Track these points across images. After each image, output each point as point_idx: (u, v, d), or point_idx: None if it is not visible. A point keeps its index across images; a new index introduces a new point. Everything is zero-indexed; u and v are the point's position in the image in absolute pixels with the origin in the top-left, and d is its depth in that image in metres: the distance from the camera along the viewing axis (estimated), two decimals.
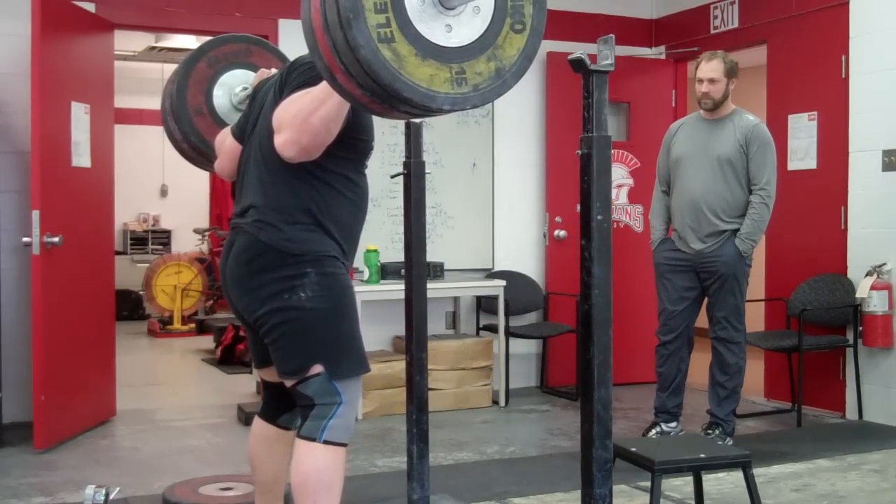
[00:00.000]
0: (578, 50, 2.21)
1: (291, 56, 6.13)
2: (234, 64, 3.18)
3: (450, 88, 1.95)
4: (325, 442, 2.54)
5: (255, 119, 2.73)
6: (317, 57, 2.02)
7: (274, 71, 2.96)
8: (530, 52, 2.05)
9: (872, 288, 5.24)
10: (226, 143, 2.86)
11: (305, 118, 2.41)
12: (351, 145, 2.57)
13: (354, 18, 1.84)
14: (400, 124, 4.84)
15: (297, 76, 2.53)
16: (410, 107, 1.97)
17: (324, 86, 2.33)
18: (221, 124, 3.09)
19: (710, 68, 4.70)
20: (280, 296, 2.54)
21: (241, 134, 2.80)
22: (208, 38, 3.35)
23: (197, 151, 3.17)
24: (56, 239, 4.62)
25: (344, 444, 2.59)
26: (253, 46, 3.24)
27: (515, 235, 6.51)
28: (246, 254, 2.61)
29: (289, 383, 2.63)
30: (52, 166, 4.71)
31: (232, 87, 3.17)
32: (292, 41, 5.94)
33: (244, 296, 2.63)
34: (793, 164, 5.82)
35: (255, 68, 3.17)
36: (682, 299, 4.78)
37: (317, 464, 2.53)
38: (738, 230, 4.66)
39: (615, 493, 2.30)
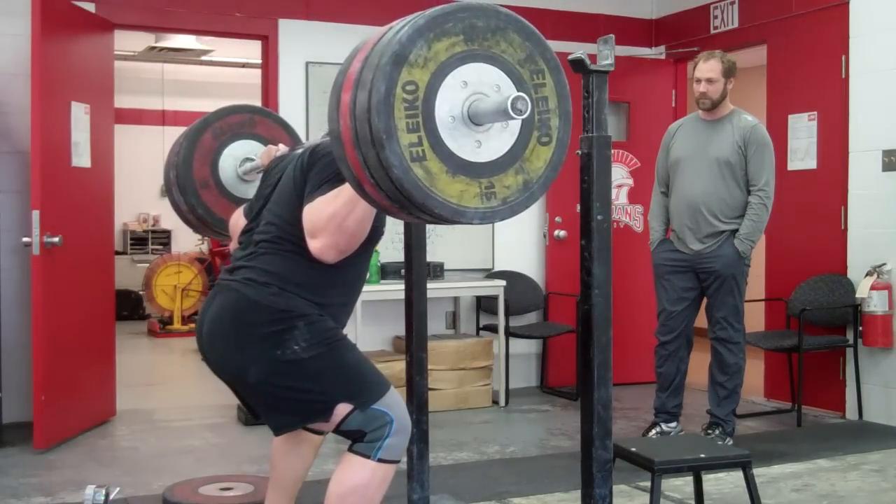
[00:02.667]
0: (578, 50, 2.21)
1: (292, 59, 6.17)
2: (239, 135, 3.18)
3: (479, 203, 1.96)
4: (380, 460, 2.49)
5: (266, 196, 2.70)
6: (345, 167, 2.01)
7: (282, 148, 2.95)
8: (556, 164, 2.05)
9: (872, 288, 5.24)
10: (239, 225, 2.83)
11: (341, 223, 2.37)
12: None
13: (388, 139, 1.83)
14: None
15: (322, 169, 2.45)
16: (439, 220, 1.99)
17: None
18: (228, 196, 3.10)
19: (707, 68, 4.70)
20: (272, 353, 2.46)
21: (251, 214, 2.78)
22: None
23: (203, 223, 3.17)
24: (56, 239, 4.62)
25: (396, 462, 2.55)
26: (257, 116, 3.25)
27: (515, 235, 6.51)
28: (230, 312, 2.54)
29: (327, 429, 2.58)
30: (52, 166, 4.71)
31: (237, 158, 3.17)
32: (292, 41, 5.96)
33: (231, 356, 2.54)
34: (793, 164, 5.82)
35: (260, 139, 3.17)
36: (682, 300, 4.78)
37: (364, 480, 2.49)
38: (736, 231, 4.66)
39: (615, 493, 2.30)
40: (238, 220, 2.85)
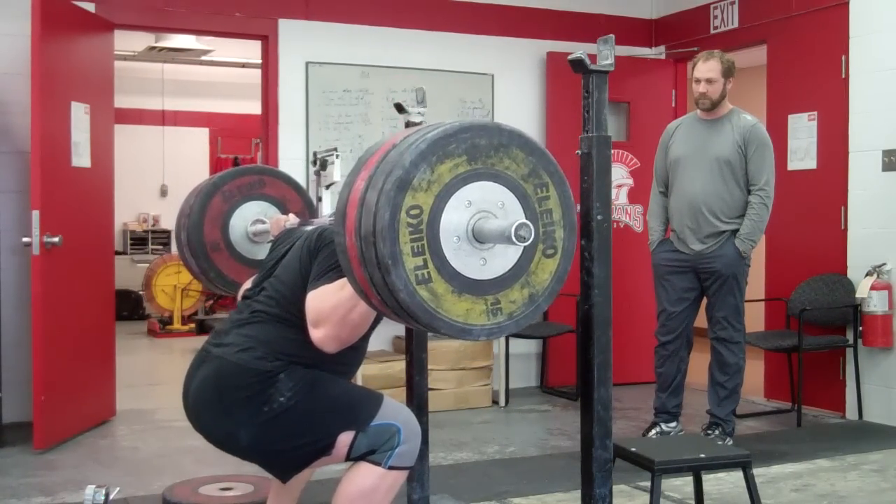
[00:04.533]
0: (578, 50, 2.21)
1: (292, 59, 6.17)
2: (249, 197, 3.21)
3: (486, 320, 1.96)
4: (391, 467, 2.49)
5: (270, 267, 2.69)
6: (352, 281, 2.02)
7: (292, 218, 2.96)
8: (562, 275, 2.06)
9: (872, 288, 5.24)
10: None
11: (344, 315, 2.35)
12: None
13: (393, 265, 1.84)
14: (401, 124, 4.83)
15: (329, 256, 2.43)
16: (446, 336, 1.99)
17: None
18: (238, 257, 3.14)
19: (707, 68, 4.70)
20: (258, 410, 2.44)
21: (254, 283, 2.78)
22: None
23: (214, 284, 3.21)
24: (56, 239, 4.62)
25: (409, 468, 2.55)
26: (266, 177, 3.29)
27: None
28: (214, 379, 2.53)
29: (337, 462, 2.56)
30: (52, 166, 4.71)
31: (247, 219, 3.20)
32: (292, 41, 5.96)
33: (220, 423, 2.54)
34: (793, 164, 5.82)
35: (269, 199, 3.21)
36: (682, 300, 4.78)
37: (374, 484, 2.48)
38: (737, 230, 4.66)
39: (615, 493, 2.30)
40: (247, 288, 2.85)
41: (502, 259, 1.98)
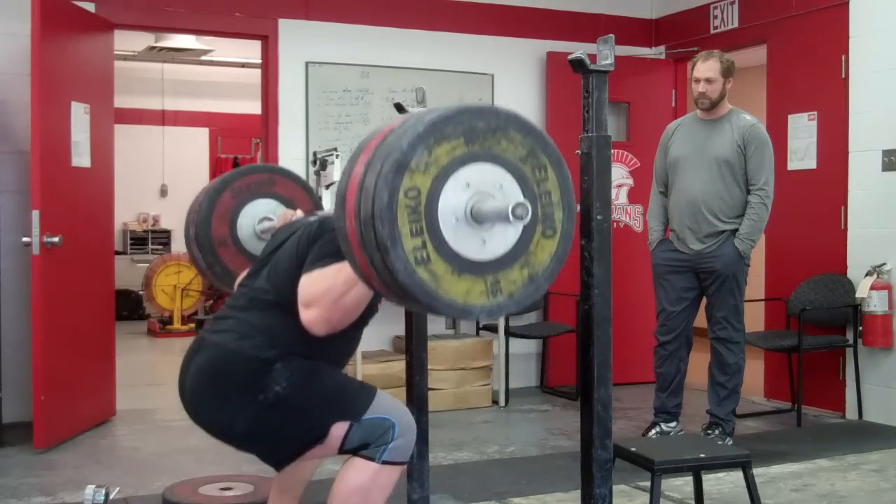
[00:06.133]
0: (578, 50, 2.21)
1: (292, 59, 6.17)
2: (258, 194, 3.20)
3: (485, 300, 1.96)
4: (384, 462, 2.50)
5: (268, 255, 2.71)
6: (354, 265, 2.02)
7: (299, 213, 2.96)
8: (562, 256, 2.06)
9: (872, 288, 5.25)
10: None
11: (336, 299, 2.37)
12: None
13: (392, 246, 1.84)
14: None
15: (327, 242, 2.45)
16: (447, 316, 2.01)
17: None
18: (245, 254, 3.13)
19: (706, 68, 4.70)
20: (254, 399, 2.45)
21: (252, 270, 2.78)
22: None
23: (220, 280, 3.20)
24: (56, 239, 4.62)
25: (403, 463, 2.55)
26: (276, 176, 3.28)
27: None
28: (210, 366, 2.53)
29: (331, 453, 2.56)
30: (52, 166, 4.71)
31: (255, 217, 3.18)
32: (292, 41, 5.96)
33: (213, 411, 2.54)
34: (793, 164, 5.82)
35: (278, 198, 3.19)
36: (681, 300, 4.78)
37: (368, 481, 2.49)
38: (736, 230, 4.66)
39: (615, 493, 2.30)
40: None
41: (501, 240, 1.98)
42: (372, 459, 2.49)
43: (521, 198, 1.96)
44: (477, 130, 1.95)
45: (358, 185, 1.92)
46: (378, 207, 1.85)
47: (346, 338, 2.58)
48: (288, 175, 3.32)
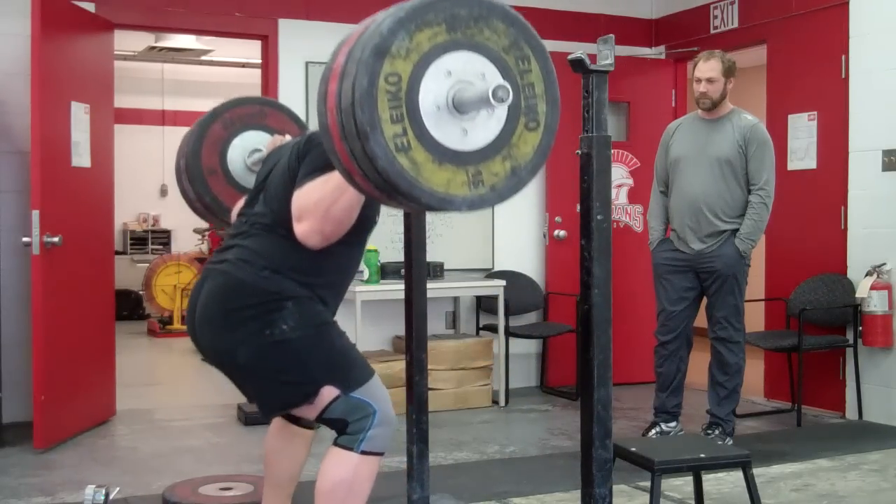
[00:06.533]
0: (578, 50, 2.21)
1: (292, 59, 6.16)
2: (249, 126, 3.20)
3: (467, 191, 1.96)
4: (363, 452, 2.51)
5: (262, 180, 2.72)
6: (335, 160, 2.02)
7: (288, 138, 2.96)
8: (545, 149, 2.05)
9: (872, 288, 5.24)
10: None
11: (327, 208, 2.39)
12: (358, 219, 2.53)
13: (372, 131, 1.83)
14: None
15: (315, 158, 2.47)
16: (428, 209, 2.00)
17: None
18: (234, 185, 3.13)
19: (708, 68, 4.70)
20: (261, 333, 2.48)
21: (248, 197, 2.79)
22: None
23: (210, 211, 3.20)
24: (56, 239, 4.62)
25: (381, 454, 2.56)
26: (267, 108, 3.28)
27: (515, 235, 6.51)
28: (218, 295, 2.55)
29: (312, 415, 2.58)
30: (52, 166, 4.71)
31: (245, 148, 3.18)
32: (292, 41, 5.96)
33: (219, 338, 2.56)
34: (793, 164, 5.82)
35: (269, 130, 3.19)
36: (682, 299, 4.78)
37: (350, 473, 2.50)
38: (737, 230, 4.66)
39: (615, 493, 2.30)
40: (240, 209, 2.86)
41: (483, 130, 1.98)
42: (350, 449, 2.51)
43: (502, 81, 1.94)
44: (459, 18, 1.93)
45: (339, 75, 1.91)
46: (358, 93, 1.83)
47: (345, 254, 2.60)
48: (279, 108, 3.30)
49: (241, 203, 2.88)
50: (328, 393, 2.51)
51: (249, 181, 3.05)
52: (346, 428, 2.52)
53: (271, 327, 2.48)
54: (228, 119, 3.17)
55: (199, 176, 3.12)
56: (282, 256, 2.53)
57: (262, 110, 3.24)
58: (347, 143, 1.90)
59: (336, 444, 2.54)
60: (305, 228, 2.43)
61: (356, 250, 2.69)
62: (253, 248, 2.56)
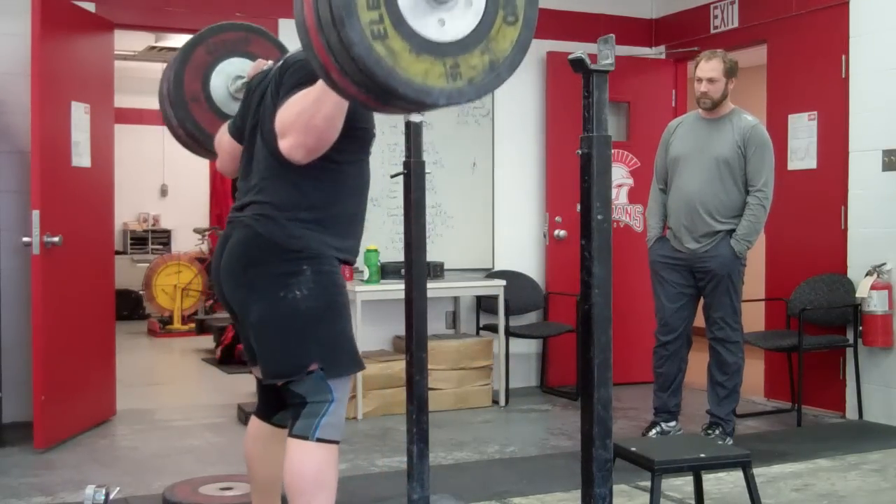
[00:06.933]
0: (578, 50, 2.21)
1: (292, 50, 6.16)
2: (233, 52, 3.16)
3: (444, 83, 1.95)
4: (318, 440, 2.53)
5: (253, 115, 2.71)
6: (311, 56, 2.02)
7: (270, 63, 2.93)
8: (524, 44, 2.04)
9: (872, 288, 5.24)
10: (223, 142, 2.85)
11: (308, 120, 2.39)
12: (352, 136, 2.55)
13: (347, 16, 1.83)
14: (400, 123, 4.85)
15: (292, 75, 2.51)
16: (406, 102, 1.98)
17: (322, 84, 2.30)
18: (217, 112, 3.09)
19: (709, 67, 4.70)
20: (275, 293, 2.52)
21: (237, 133, 2.79)
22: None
23: (192, 139, 3.16)
24: (56, 239, 4.62)
25: (336, 442, 2.58)
26: (252, 35, 3.23)
27: (515, 235, 6.51)
28: (242, 247, 2.59)
29: (280, 381, 2.61)
30: (52, 166, 4.71)
31: (229, 75, 3.15)
32: (293, 41, 5.93)
33: (237, 290, 2.61)
34: (793, 164, 5.82)
35: (253, 57, 3.13)
36: (680, 295, 4.78)
37: (310, 463, 2.52)
38: (733, 231, 4.65)
39: (615, 493, 2.30)
40: (222, 137, 2.86)
41: (461, 21, 1.97)
42: (306, 438, 2.53)
43: None
44: None
45: None
46: None
47: (355, 173, 2.62)
48: (264, 35, 3.26)
49: (221, 131, 2.86)
50: (311, 367, 2.55)
51: (232, 109, 3.01)
52: (302, 407, 2.54)
53: (286, 289, 2.51)
54: (213, 44, 3.14)
55: (182, 102, 3.10)
56: (298, 198, 2.55)
57: (246, 37, 3.21)
58: (323, 34, 1.89)
59: (292, 434, 2.56)
60: (289, 143, 2.43)
61: (365, 168, 2.70)
62: (269, 201, 2.57)
